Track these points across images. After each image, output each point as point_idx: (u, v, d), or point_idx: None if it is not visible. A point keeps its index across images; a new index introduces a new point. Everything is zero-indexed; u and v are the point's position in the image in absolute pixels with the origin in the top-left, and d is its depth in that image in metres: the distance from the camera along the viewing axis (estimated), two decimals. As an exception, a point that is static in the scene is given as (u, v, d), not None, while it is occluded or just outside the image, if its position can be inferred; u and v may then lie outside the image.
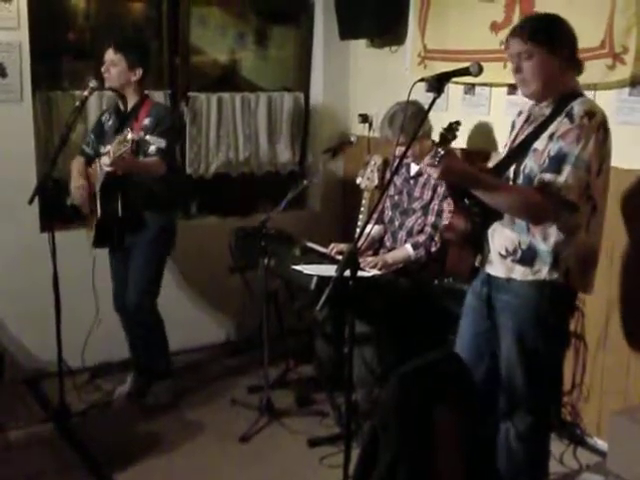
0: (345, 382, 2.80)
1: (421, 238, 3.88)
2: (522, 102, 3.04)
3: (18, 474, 3.44)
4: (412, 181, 4.03)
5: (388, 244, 4.09)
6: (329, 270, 3.51)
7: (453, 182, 2.77)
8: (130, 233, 3.97)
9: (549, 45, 2.69)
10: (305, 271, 3.60)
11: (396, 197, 4.11)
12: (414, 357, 2.86)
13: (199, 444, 3.81)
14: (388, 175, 4.14)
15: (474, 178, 2.69)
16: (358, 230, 3.99)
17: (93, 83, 3.80)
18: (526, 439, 2.93)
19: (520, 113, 3.02)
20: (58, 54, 4.53)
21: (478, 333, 3.02)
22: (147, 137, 3.76)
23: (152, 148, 3.80)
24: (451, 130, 2.70)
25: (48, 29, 4.39)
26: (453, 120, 2.78)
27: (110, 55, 3.84)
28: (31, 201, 3.71)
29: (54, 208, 3.90)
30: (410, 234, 3.97)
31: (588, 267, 2.84)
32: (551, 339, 2.85)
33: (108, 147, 3.68)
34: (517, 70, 2.75)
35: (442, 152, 2.57)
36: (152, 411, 4.09)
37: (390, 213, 4.14)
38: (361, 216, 4.13)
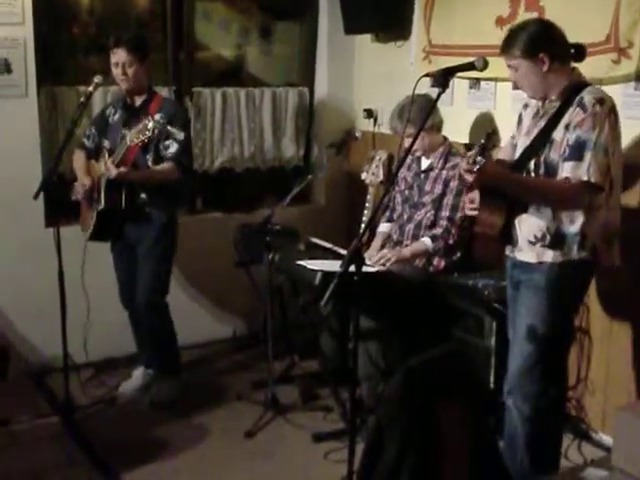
0: (350, 377, 2.80)
1: (438, 231, 3.89)
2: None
3: (23, 468, 3.45)
4: (423, 175, 4.03)
5: (395, 237, 4.09)
6: (334, 265, 3.51)
7: (489, 185, 2.91)
8: (132, 226, 3.97)
9: (529, 56, 2.86)
10: (310, 266, 3.60)
11: (406, 192, 4.11)
12: (418, 352, 2.86)
13: (204, 439, 3.81)
14: (394, 170, 4.15)
15: (507, 181, 2.90)
16: (363, 225, 3.99)
17: (98, 78, 3.80)
18: (530, 421, 3.00)
19: (526, 106, 3.16)
20: (63, 49, 4.53)
21: None
22: (169, 127, 3.75)
23: (170, 150, 3.80)
24: (490, 140, 2.86)
25: (52, 24, 4.39)
26: (490, 130, 2.97)
27: (123, 57, 3.81)
28: (36, 196, 3.71)
29: (59, 203, 3.91)
30: (418, 227, 3.97)
31: (612, 241, 3.01)
32: (571, 317, 3.11)
33: (126, 135, 3.68)
34: (514, 81, 2.98)
35: (483, 161, 2.76)
36: (157, 406, 4.09)
37: (400, 208, 4.14)
38: (366, 211, 4.13)
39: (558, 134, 2.87)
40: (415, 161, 4.10)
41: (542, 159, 2.90)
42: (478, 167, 2.77)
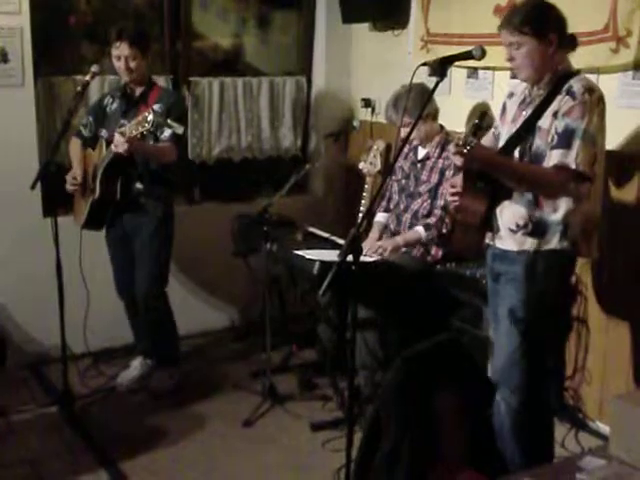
0: (348, 366, 2.81)
1: (432, 220, 3.89)
2: (515, 84, 3.06)
3: (22, 458, 3.46)
4: (419, 165, 4.03)
5: (392, 227, 4.10)
6: (331, 255, 3.52)
7: (478, 169, 2.84)
8: (128, 216, 3.98)
9: (537, 34, 2.77)
10: (307, 256, 3.60)
11: (403, 181, 4.11)
12: (416, 342, 2.87)
13: (202, 429, 3.82)
14: (391, 160, 4.15)
15: (497, 165, 2.82)
16: (360, 215, 4.00)
17: (95, 68, 3.78)
18: (518, 414, 2.96)
19: (511, 95, 3.09)
20: (59, 39, 4.51)
21: None
22: (169, 120, 3.72)
23: (165, 134, 3.79)
24: (484, 120, 2.79)
25: (49, 13, 4.37)
26: (481, 110, 2.86)
27: (126, 51, 3.80)
28: (33, 186, 3.70)
29: (56, 193, 3.90)
30: (415, 217, 3.97)
31: (591, 233, 3.02)
32: (555, 308, 2.98)
33: (123, 128, 3.67)
34: (510, 59, 2.85)
35: (474, 142, 2.67)
36: (155, 396, 4.10)
37: (397, 197, 4.14)
38: (363, 201, 4.14)
39: (545, 122, 2.81)
40: (412, 151, 4.10)
41: (528, 147, 2.85)
42: (469, 148, 2.66)
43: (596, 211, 3.04)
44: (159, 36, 4.73)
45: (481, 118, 2.76)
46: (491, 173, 2.83)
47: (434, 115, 3.98)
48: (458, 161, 2.79)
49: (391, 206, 4.18)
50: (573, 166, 2.72)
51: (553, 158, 2.75)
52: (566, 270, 2.99)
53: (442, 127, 4.02)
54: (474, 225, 2.97)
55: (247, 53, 5.20)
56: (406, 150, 4.08)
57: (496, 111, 4.03)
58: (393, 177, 4.16)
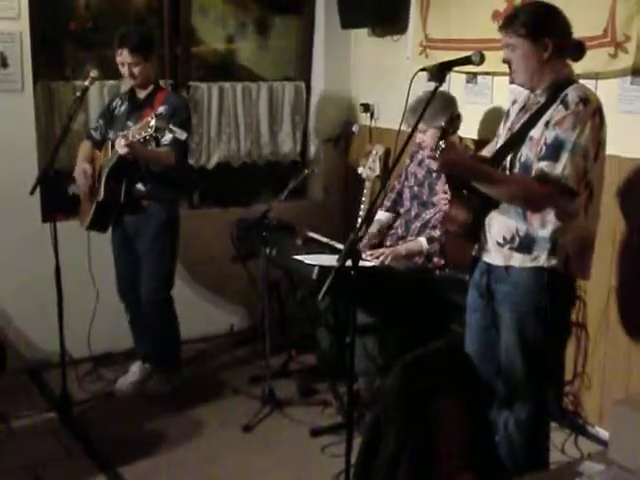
0: (347, 372, 2.81)
1: (436, 233, 3.85)
2: (518, 91, 3.04)
3: (21, 463, 3.45)
4: (435, 174, 3.98)
5: (400, 232, 4.06)
6: (331, 260, 3.51)
7: (453, 174, 2.78)
8: (130, 218, 3.98)
9: (534, 38, 2.70)
10: (307, 261, 3.60)
11: (416, 188, 4.05)
12: (415, 347, 2.87)
13: (202, 434, 3.82)
14: (390, 164, 4.13)
15: (474, 170, 2.73)
16: (360, 220, 3.99)
17: (94, 73, 3.80)
18: (526, 428, 2.94)
19: (514, 102, 3.02)
20: (59, 44, 4.52)
21: (485, 327, 3.02)
22: (171, 126, 3.69)
23: (166, 138, 3.79)
24: (452, 123, 2.70)
25: (49, 18, 4.39)
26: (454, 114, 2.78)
27: (128, 58, 3.81)
28: (33, 191, 3.70)
29: (56, 198, 3.90)
30: (425, 226, 3.93)
31: (586, 253, 2.85)
32: (551, 328, 2.85)
33: (125, 131, 3.68)
34: (505, 61, 2.79)
35: (443, 145, 2.61)
36: (154, 401, 4.10)
37: (408, 203, 4.10)
38: (363, 206, 4.13)
39: (537, 132, 2.71)
40: (429, 159, 4.04)
41: (518, 157, 2.75)
42: (439, 152, 2.61)
43: (592, 228, 2.85)
44: (159, 41, 4.73)
45: (448, 122, 2.71)
46: (467, 178, 2.74)
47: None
48: (434, 166, 2.75)
49: (401, 211, 4.14)
50: (558, 178, 2.61)
51: (538, 170, 2.65)
52: (558, 290, 2.81)
53: (461, 139, 3.89)
54: (461, 236, 2.91)
55: (246, 58, 5.21)
56: (420, 157, 4.01)
57: (498, 117, 4.05)
58: (405, 183, 4.10)
